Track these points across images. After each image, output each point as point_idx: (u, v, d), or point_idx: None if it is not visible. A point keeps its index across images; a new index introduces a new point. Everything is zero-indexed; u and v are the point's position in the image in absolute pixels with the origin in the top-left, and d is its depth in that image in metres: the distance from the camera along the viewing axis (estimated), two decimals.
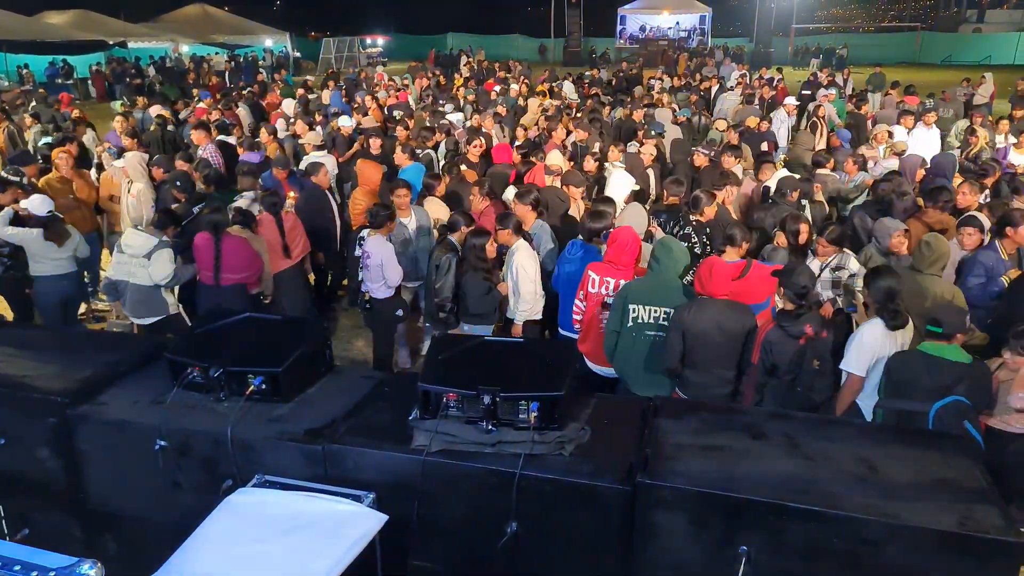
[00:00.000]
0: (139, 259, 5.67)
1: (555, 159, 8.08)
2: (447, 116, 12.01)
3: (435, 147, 9.68)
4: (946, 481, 2.62)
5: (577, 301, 5.24)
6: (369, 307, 6.06)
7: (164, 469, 3.14)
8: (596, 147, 9.05)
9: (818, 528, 2.49)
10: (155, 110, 12.88)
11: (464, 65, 27.91)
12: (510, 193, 6.85)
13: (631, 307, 4.66)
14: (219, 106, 13.42)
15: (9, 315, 6.67)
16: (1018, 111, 12.44)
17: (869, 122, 12.42)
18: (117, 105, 16.31)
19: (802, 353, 4.12)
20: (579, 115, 12.85)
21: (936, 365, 3.97)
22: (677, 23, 40.18)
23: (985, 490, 2.57)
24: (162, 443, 3.11)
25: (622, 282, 4.92)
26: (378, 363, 6.37)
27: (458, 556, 3.04)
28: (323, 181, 7.52)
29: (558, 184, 7.17)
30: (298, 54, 38.04)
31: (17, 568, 1.87)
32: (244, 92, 16.70)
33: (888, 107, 13.67)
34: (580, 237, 5.68)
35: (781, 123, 12.43)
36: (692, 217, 6.18)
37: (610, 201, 6.10)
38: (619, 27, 40.96)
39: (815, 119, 12.09)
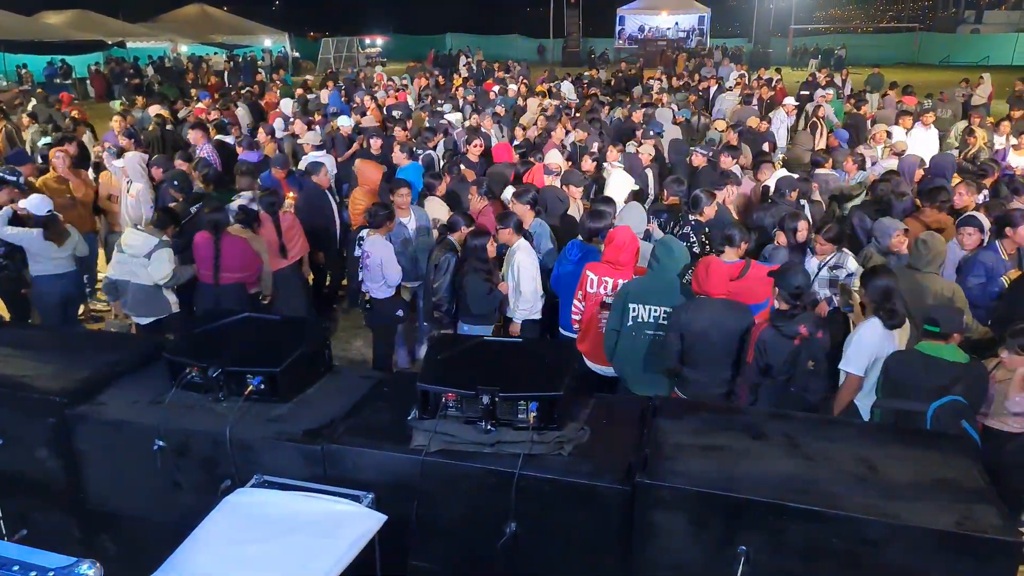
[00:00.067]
0: (139, 259, 5.67)
1: (554, 159, 8.08)
2: (446, 116, 12.01)
3: (434, 147, 9.68)
4: (945, 481, 2.62)
5: (576, 301, 5.24)
6: (369, 307, 6.06)
7: (163, 469, 3.14)
8: (595, 147, 9.04)
9: (817, 528, 2.49)
10: (154, 110, 12.87)
11: (463, 66, 27.92)
12: (509, 193, 6.86)
13: (631, 306, 4.67)
14: (217, 106, 13.42)
15: (6, 316, 6.66)
16: (1016, 112, 12.45)
17: (868, 122, 12.43)
18: (116, 105, 16.30)
19: (796, 353, 4.12)
20: (577, 115, 12.86)
21: (934, 365, 3.97)
22: (676, 23, 40.19)
23: (984, 490, 2.57)
24: (161, 443, 3.11)
25: (620, 281, 4.92)
26: (378, 363, 6.37)
27: (457, 556, 3.04)
28: (323, 181, 7.51)
29: (557, 184, 7.17)
30: (297, 54, 38.02)
31: (16, 568, 1.87)
32: (243, 92, 16.70)
33: (888, 107, 13.68)
34: (579, 237, 5.69)
35: (780, 123, 12.44)
36: (691, 217, 6.19)
37: (610, 201, 6.11)
38: (618, 27, 40.96)
39: (815, 119, 12.09)
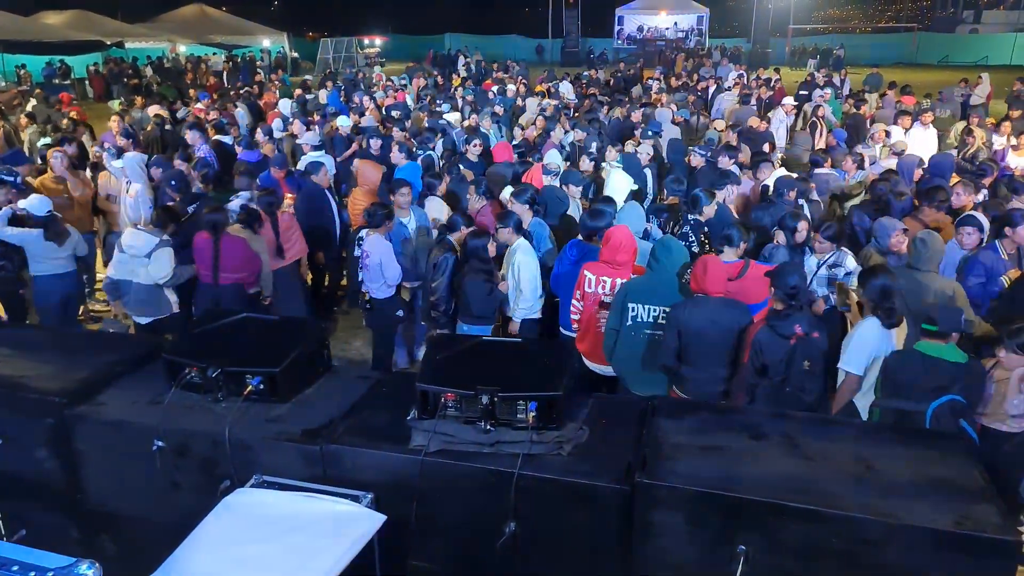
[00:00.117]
0: (140, 259, 5.68)
1: (553, 159, 8.08)
2: (444, 116, 12.02)
3: (433, 148, 9.68)
4: (944, 480, 2.62)
5: (574, 301, 5.25)
6: (369, 307, 6.06)
7: (162, 469, 3.13)
8: (593, 147, 9.05)
9: (816, 528, 2.49)
10: (153, 110, 12.88)
11: (462, 66, 27.93)
12: (507, 193, 6.86)
13: (630, 306, 4.67)
14: (216, 106, 13.41)
15: (3, 316, 6.65)
16: (1015, 112, 12.46)
17: (868, 122, 12.43)
18: (115, 105, 16.29)
19: (792, 353, 4.12)
20: (576, 115, 12.86)
21: (934, 365, 3.97)
22: (675, 24, 40.21)
23: (983, 489, 2.57)
24: (160, 443, 3.11)
25: (618, 281, 4.93)
26: (377, 363, 6.36)
27: (457, 556, 3.04)
28: (323, 181, 7.51)
29: (556, 183, 7.17)
30: (296, 54, 38.00)
31: (15, 568, 1.87)
32: (241, 92, 16.69)
33: (886, 107, 13.68)
34: (579, 236, 5.69)
35: (780, 123, 12.43)
36: (691, 216, 6.19)
37: (611, 200, 6.10)
38: (617, 27, 40.97)
39: (815, 119, 12.10)
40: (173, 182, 7.09)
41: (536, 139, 10.27)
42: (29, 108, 14.67)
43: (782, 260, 5.43)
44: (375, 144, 8.95)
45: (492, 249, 5.49)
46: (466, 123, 11.78)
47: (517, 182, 7.40)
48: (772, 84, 18.21)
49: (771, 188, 7.04)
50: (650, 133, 9.81)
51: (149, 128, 11.45)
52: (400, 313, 6.16)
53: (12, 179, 6.65)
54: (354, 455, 2.97)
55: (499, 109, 12.92)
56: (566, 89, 17.88)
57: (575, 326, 5.28)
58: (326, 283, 8.27)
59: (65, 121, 12.15)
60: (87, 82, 28.77)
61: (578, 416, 3.06)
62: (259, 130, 10.28)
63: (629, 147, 9.28)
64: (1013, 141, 9.97)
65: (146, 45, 32.98)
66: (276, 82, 20.50)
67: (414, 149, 9.00)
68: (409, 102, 15.19)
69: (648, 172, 8.51)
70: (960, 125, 11.56)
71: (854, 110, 13.13)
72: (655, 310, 4.62)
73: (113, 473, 3.33)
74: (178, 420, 3.16)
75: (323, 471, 2.99)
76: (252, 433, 3.07)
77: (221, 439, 3.03)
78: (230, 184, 7.56)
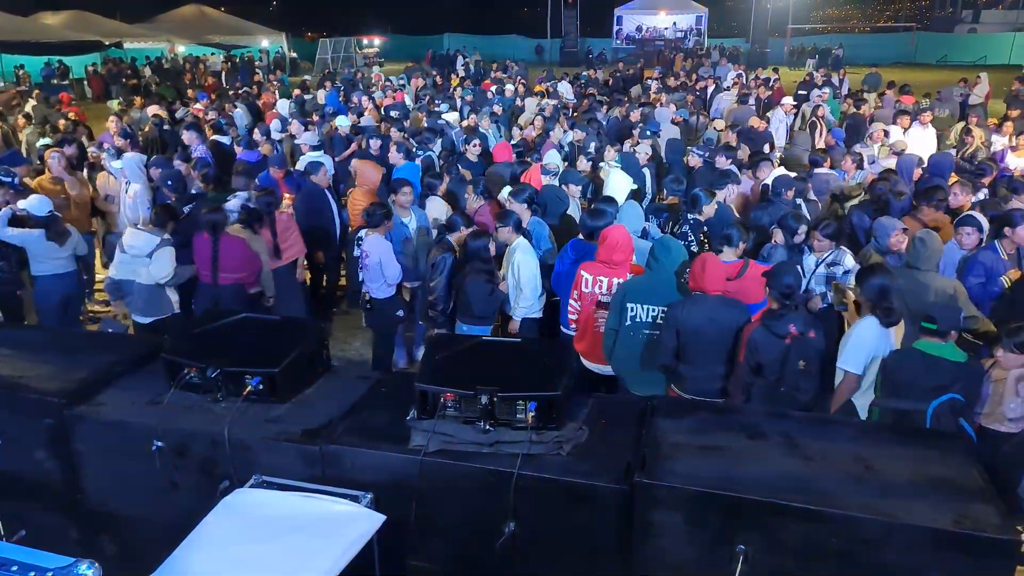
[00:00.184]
0: (142, 258, 5.68)
1: (553, 159, 8.09)
2: (443, 116, 12.02)
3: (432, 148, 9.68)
4: (943, 480, 2.62)
5: (572, 301, 5.26)
6: (370, 307, 6.06)
7: (161, 470, 3.13)
8: (592, 147, 9.05)
9: (816, 527, 2.49)
10: (152, 110, 12.87)
11: (460, 66, 27.92)
12: (505, 192, 6.87)
13: (629, 306, 4.67)
14: (214, 107, 13.41)
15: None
16: (1013, 111, 12.46)
17: (867, 121, 12.42)
18: (114, 105, 16.28)
19: (787, 353, 4.13)
20: (574, 115, 12.86)
21: (934, 364, 3.97)
22: (674, 24, 40.21)
23: (982, 489, 2.57)
24: (159, 444, 3.11)
25: (616, 280, 4.94)
26: (377, 363, 6.36)
27: (456, 556, 3.04)
28: (323, 181, 7.50)
29: (556, 183, 7.17)
30: (294, 54, 38.00)
31: (14, 568, 1.87)
32: (240, 92, 16.69)
33: (886, 107, 13.67)
34: (580, 236, 5.69)
35: (780, 123, 12.43)
36: (690, 216, 6.19)
37: (612, 200, 6.09)
38: (616, 27, 40.98)
39: (814, 119, 12.10)
40: (170, 182, 7.09)
41: (535, 139, 10.28)
42: (28, 108, 14.66)
43: (780, 259, 5.43)
44: (374, 144, 8.96)
45: (492, 249, 5.50)
46: (465, 123, 11.78)
47: (516, 183, 7.40)
48: (771, 84, 18.21)
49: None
50: (648, 133, 9.82)
51: (147, 128, 11.44)
52: (400, 313, 6.16)
53: (10, 180, 6.65)
54: (353, 455, 2.97)
55: (498, 109, 12.92)
56: (564, 89, 17.88)
57: (573, 326, 5.28)
58: (324, 283, 8.27)
59: (62, 121, 12.14)
60: (85, 82, 28.76)
61: (577, 416, 3.07)
62: (256, 130, 10.27)
63: (627, 147, 9.29)
64: (1014, 142, 9.95)
65: (144, 45, 32.97)
66: (274, 83, 20.49)
67: (413, 149, 9.00)
68: (408, 102, 15.19)
69: (647, 172, 8.52)
70: (960, 126, 11.55)
71: (854, 110, 13.11)
72: (654, 310, 4.62)
73: (112, 473, 3.33)
74: (177, 420, 3.16)
75: (322, 471, 2.99)
76: (251, 433, 3.07)
77: (220, 439, 3.03)
78: (228, 184, 7.56)
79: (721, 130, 11.17)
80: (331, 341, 4.73)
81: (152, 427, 3.12)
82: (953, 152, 9.74)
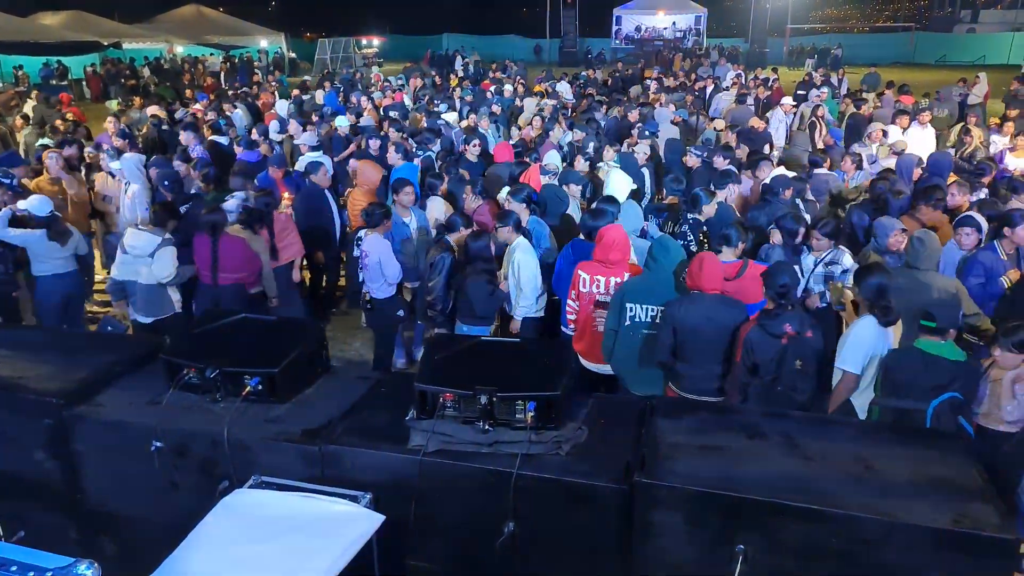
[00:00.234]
0: (144, 259, 5.68)
1: (552, 160, 8.09)
2: (442, 116, 12.02)
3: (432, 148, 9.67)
4: (943, 479, 2.62)
5: (569, 301, 5.26)
6: (370, 307, 6.06)
7: (160, 470, 3.13)
8: (590, 147, 9.05)
9: (815, 527, 2.49)
10: (151, 111, 12.87)
11: (460, 66, 27.91)
12: (504, 192, 6.87)
13: (628, 306, 4.68)
14: (212, 107, 13.41)
15: None
16: (1012, 111, 12.46)
17: (868, 121, 12.41)
18: (113, 105, 16.27)
19: (783, 352, 4.13)
20: (573, 115, 12.86)
21: (934, 363, 3.98)
22: (673, 23, 40.21)
23: (982, 488, 2.58)
24: (158, 444, 3.11)
25: (612, 280, 4.94)
26: (379, 363, 6.36)
27: (455, 556, 3.04)
28: (323, 181, 7.50)
29: (555, 183, 7.17)
30: (293, 55, 37.98)
31: (14, 569, 1.87)
32: (240, 92, 16.68)
33: (885, 106, 13.67)
34: (580, 235, 5.70)
35: (780, 123, 12.43)
36: (690, 215, 6.19)
37: (614, 200, 6.09)
38: (615, 27, 40.97)
39: (814, 119, 12.11)
40: (166, 182, 7.10)
41: (534, 140, 10.28)
42: (28, 109, 14.65)
43: (779, 259, 5.43)
44: (374, 144, 8.96)
45: (491, 249, 5.50)
46: (464, 123, 11.77)
47: (514, 183, 7.40)
48: (770, 84, 18.21)
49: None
50: (647, 133, 9.82)
51: (144, 129, 11.43)
52: (401, 313, 6.16)
53: (9, 181, 6.65)
54: (353, 455, 2.97)
55: (496, 109, 12.92)
56: (564, 89, 17.89)
57: (571, 326, 5.29)
58: (324, 284, 8.27)
59: (59, 121, 12.13)
60: (84, 83, 28.74)
61: (577, 416, 3.07)
62: (253, 131, 10.27)
63: (626, 147, 9.30)
64: (1014, 142, 9.93)
65: (143, 46, 32.95)
66: (273, 83, 20.48)
67: (413, 149, 9.01)
68: (407, 102, 15.19)
69: (645, 172, 8.52)
70: (959, 126, 11.55)
71: (854, 109, 13.11)
72: (653, 310, 4.62)
73: (112, 474, 3.33)
74: (177, 421, 3.16)
75: (322, 471, 2.99)
76: (251, 433, 3.07)
77: (220, 439, 3.03)
78: (225, 184, 7.56)
79: (721, 130, 11.17)
80: (331, 341, 4.73)
81: (151, 427, 3.12)
82: (952, 152, 9.75)
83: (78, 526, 3.49)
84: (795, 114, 12.94)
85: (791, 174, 7.58)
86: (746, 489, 2.57)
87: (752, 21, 37.73)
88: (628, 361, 4.77)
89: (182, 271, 5.84)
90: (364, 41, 41.45)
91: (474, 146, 8.78)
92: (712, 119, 12.98)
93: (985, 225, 5.86)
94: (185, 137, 9.61)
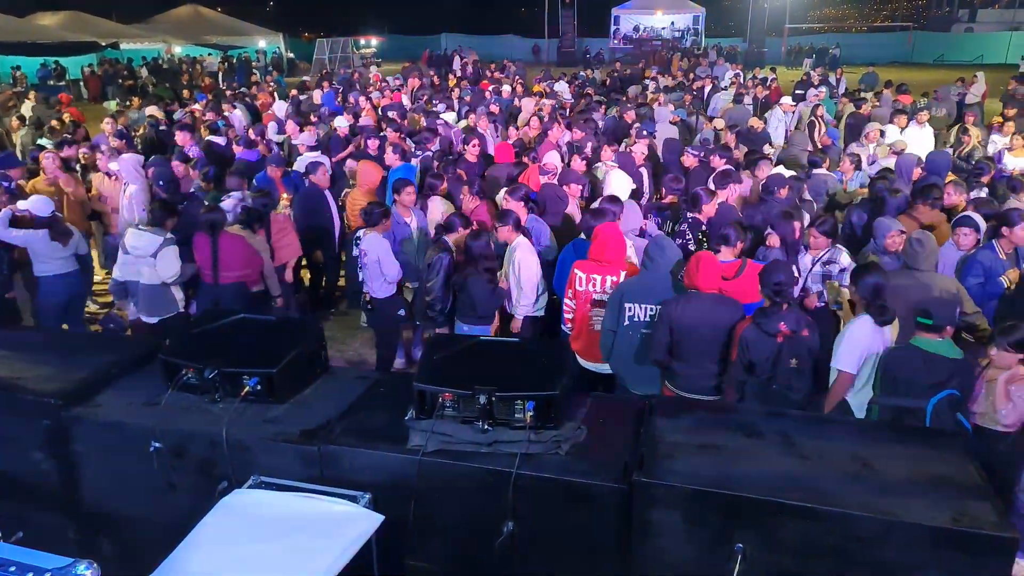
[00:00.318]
0: (146, 259, 5.67)
1: (552, 159, 8.08)
2: (441, 116, 12.01)
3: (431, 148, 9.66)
4: (941, 478, 2.63)
5: (567, 300, 5.27)
6: (371, 307, 6.05)
7: (159, 471, 3.13)
8: (588, 147, 9.05)
9: (814, 525, 2.50)
10: (150, 111, 12.85)
11: (458, 66, 27.89)
12: (502, 192, 6.88)
13: (627, 306, 4.68)
14: (210, 107, 13.40)
15: None
16: (1009, 110, 12.47)
17: (868, 120, 12.41)
18: (112, 106, 16.26)
19: (779, 351, 4.14)
20: (571, 115, 12.85)
21: (932, 361, 3.99)
22: (672, 23, 40.22)
23: (980, 486, 2.58)
24: (157, 445, 3.11)
25: (609, 278, 4.95)
26: (380, 364, 6.35)
27: (455, 556, 3.04)
28: (322, 181, 7.50)
29: (555, 183, 7.17)
30: (291, 55, 37.95)
31: (12, 569, 1.86)
32: (239, 92, 16.67)
33: (884, 106, 13.68)
34: (581, 235, 5.70)
35: (779, 122, 12.43)
36: (690, 215, 6.19)
37: (617, 200, 6.08)
38: (613, 27, 40.97)
39: (813, 118, 12.12)
40: (161, 182, 7.09)
41: (533, 140, 10.27)
42: (25, 109, 14.62)
43: (776, 258, 5.43)
44: (372, 144, 8.95)
45: (491, 247, 5.50)
46: (462, 123, 11.77)
47: (514, 183, 7.40)
48: (768, 83, 18.22)
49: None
50: (645, 133, 9.83)
51: (141, 130, 11.42)
52: (402, 312, 6.15)
53: (7, 185, 6.65)
54: (352, 455, 2.97)
55: (494, 108, 12.92)
56: (562, 89, 17.89)
57: (568, 325, 5.29)
58: (322, 283, 8.26)
59: (54, 122, 12.10)
60: (82, 83, 28.70)
61: (576, 415, 3.07)
62: (250, 131, 10.26)
63: (624, 147, 9.29)
64: (1012, 142, 9.93)
65: (141, 46, 32.93)
66: (271, 83, 20.46)
67: (411, 149, 9.00)
68: (405, 102, 15.19)
69: (643, 172, 8.52)
70: (958, 126, 11.55)
71: (853, 109, 13.11)
72: (652, 309, 4.63)
73: (111, 474, 3.33)
74: (175, 421, 3.16)
75: (321, 471, 2.99)
76: (250, 434, 3.07)
77: (218, 440, 3.03)
78: (221, 184, 7.55)
79: (721, 129, 11.18)
80: (330, 341, 4.73)
81: (150, 428, 3.12)
82: (950, 151, 9.76)
83: (77, 527, 3.48)
84: (793, 113, 12.94)
85: (790, 174, 7.59)
86: (745, 488, 2.57)
87: (750, 21, 37.76)
88: (627, 360, 4.78)
89: (185, 269, 5.84)
90: (362, 41, 41.41)
91: (473, 146, 8.78)
92: (711, 119, 12.98)
93: (983, 225, 5.86)
94: (181, 137, 9.60)
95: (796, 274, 5.20)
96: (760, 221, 6.24)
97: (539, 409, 2.86)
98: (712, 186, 6.86)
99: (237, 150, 9.53)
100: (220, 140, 10.09)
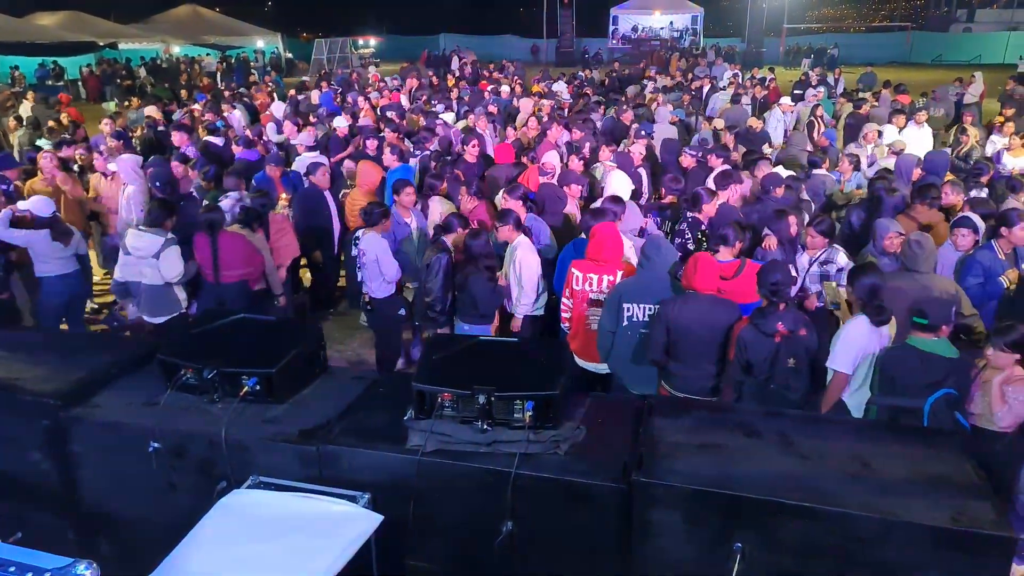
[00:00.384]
0: (148, 259, 5.67)
1: (551, 159, 8.08)
2: (440, 116, 12.00)
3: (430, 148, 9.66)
4: (939, 477, 2.63)
5: (564, 299, 5.27)
6: (370, 308, 6.05)
7: (158, 471, 3.13)
8: (586, 147, 9.05)
9: (813, 525, 2.50)
10: (149, 111, 12.84)
11: (456, 66, 27.89)
12: (501, 193, 6.88)
13: (626, 306, 4.68)
14: (208, 108, 13.39)
15: None
16: (1008, 110, 12.48)
17: (867, 120, 12.41)
18: (111, 106, 16.24)
19: (776, 351, 4.14)
20: (569, 115, 12.85)
21: (929, 361, 3.99)
22: (671, 23, 40.24)
23: (978, 486, 2.58)
24: (156, 445, 3.10)
25: (605, 278, 4.95)
26: (380, 364, 6.34)
27: (454, 556, 3.04)
28: (322, 182, 7.50)
29: (554, 183, 7.18)
30: (290, 55, 37.92)
31: (12, 569, 1.86)
32: (237, 92, 16.66)
33: (882, 105, 13.69)
34: (581, 235, 5.70)
35: (778, 122, 12.44)
36: (690, 214, 6.19)
37: (619, 200, 6.08)
38: (611, 27, 40.98)
39: (813, 119, 12.12)
40: (158, 183, 7.09)
41: (532, 140, 10.27)
42: (26, 109, 14.60)
43: (775, 258, 5.43)
44: (371, 145, 8.95)
45: (491, 246, 5.50)
46: (461, 123, 11.77)
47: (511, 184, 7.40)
48: (766, 83, 18.23)
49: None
50: (643, 133, 9.83)
51: (139, 131, 11.40)
52: (402, 312, 6.14)
53: (6, 187, 6.65)
54: (351, 455, 2.97)
55: (493, 109, 12.91)
56: (560, 89, 17.89)
57: (566, 325, 5.29)
58: (323, 283, 8.26)
59: (51, 122, 12.08)
60: (80, 83, 28.67)
61: (575, 415, 3.07)
62: (248, 132, 10.26)
63: (622, 146, 9.30)
64: (1017, 141, 9.93)
65: (139, 46, 32.90)
66: (269, 83, 20.45)
67: (410, 150, 9.00)
68: (404, 102, 15.18)
69: (642, 172, 8.52)
70: (956, 126, 11.55)
71: (851, 109, 13.12)
72: (650, 308, 4.63)
73: (110, 475, 3.32)
74: (174, 421, 3.16)
75: (320, 472, 2.99)
76: (248, 434, 3.07)
77: (217, 440, 3.02)
78: (221, 184, 7.54)
79: (721, 129, 11.18)
80: (329, 342, 4.73)
81: (149, 428, 3.12)
82: (948, 151, 9.76)
83: (76, 527, 3.48)
84: (792, 114, 12.95)
85: (788, 174, 7.59)
86: (744, 488, 2.57)
87: (748, 21, 37.78)
88: (627, 360, 4.78)
89: (188, 268, 5.84)
90: (361, 41, 41.39)
91: (472, 146, 8.78)
92: (709, 119, 12.99)
93: (981, 225, 5.87)
94: (177, 138, 9.59)
95: (794, 273, 5.21)
96: (756, 220, 6.25)
97: (538, 409, 2.86)
98: (712, 186, 6.86)
99: (237, 150, 9.53)
100: (218, 140, 10.09)
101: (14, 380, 3.45)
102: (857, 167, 8.38)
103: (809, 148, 10.76)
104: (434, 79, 20.80)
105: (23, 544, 2.06)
